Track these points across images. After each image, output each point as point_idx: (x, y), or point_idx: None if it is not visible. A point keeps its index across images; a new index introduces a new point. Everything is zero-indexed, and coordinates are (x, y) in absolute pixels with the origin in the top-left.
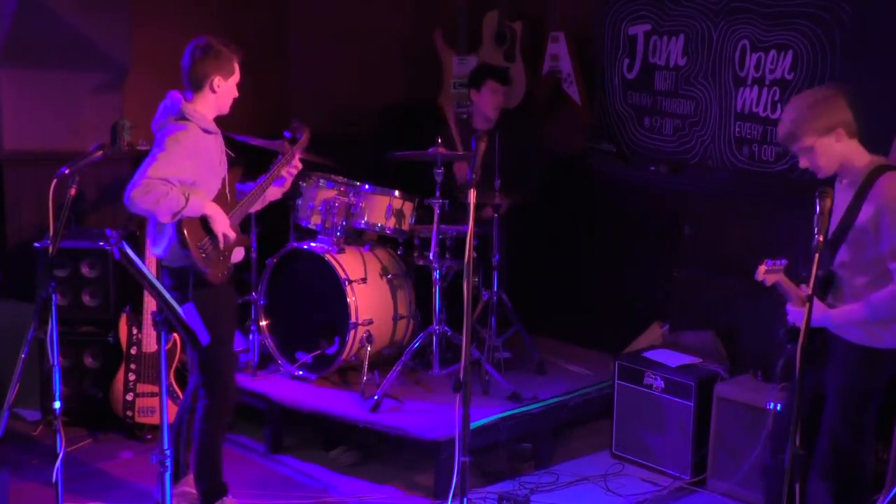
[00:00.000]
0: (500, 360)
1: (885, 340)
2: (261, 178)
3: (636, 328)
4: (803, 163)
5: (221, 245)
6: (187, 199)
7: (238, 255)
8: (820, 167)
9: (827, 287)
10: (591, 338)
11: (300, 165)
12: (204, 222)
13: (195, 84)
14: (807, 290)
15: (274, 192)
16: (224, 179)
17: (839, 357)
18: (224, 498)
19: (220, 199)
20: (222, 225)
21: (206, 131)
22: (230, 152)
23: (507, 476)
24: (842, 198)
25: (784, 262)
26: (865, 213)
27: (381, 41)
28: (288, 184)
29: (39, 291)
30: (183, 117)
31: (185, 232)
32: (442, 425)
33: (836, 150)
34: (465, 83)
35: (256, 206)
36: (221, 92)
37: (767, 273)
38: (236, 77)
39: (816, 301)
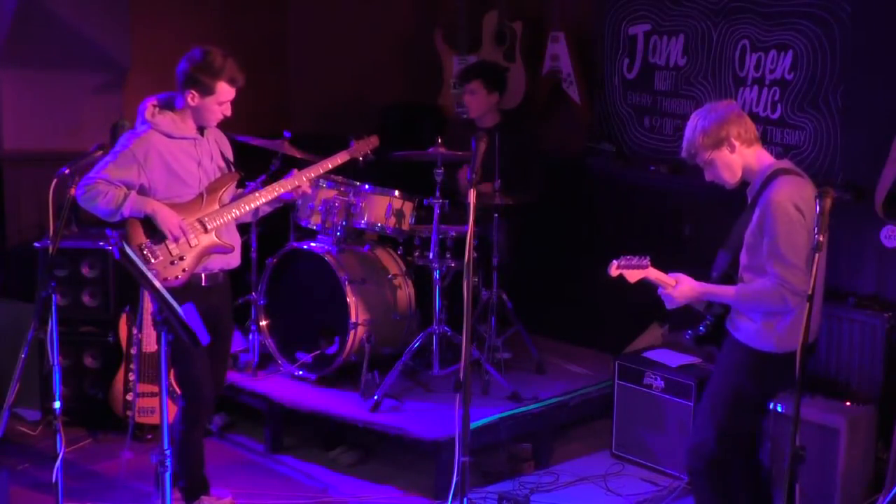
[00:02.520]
0: (500, 360)
1: (770, 342)
2: (250, 185)
3: (636, 328)
4: (708, 176)
5: (172, 243)
6: (125, 198)
7: (226, 261)
8: (724, 179)
9: (729, 283)
10: (591, 338)
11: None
12: (150, 224)
13: (177, 88)
14: (675, 274)
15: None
16: (207, 185)
17: (724, 353)
18: (203, 496)
19: (192, 204)
20: (168, 223)
21: (170, 136)
22: (228, 163)
23: (507, 476)
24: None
25: (646, 259)
26: (755, 217)
27: (381, 41)
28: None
29: (39, 291)
30: (144, 122)
31: (127, 233)
32: (442, 425)
33: (733, 160)
34: None
35: (246, 216)
36: (198, 106)
37: (620, 269)
38: (219, 97)
39: (688, 278)
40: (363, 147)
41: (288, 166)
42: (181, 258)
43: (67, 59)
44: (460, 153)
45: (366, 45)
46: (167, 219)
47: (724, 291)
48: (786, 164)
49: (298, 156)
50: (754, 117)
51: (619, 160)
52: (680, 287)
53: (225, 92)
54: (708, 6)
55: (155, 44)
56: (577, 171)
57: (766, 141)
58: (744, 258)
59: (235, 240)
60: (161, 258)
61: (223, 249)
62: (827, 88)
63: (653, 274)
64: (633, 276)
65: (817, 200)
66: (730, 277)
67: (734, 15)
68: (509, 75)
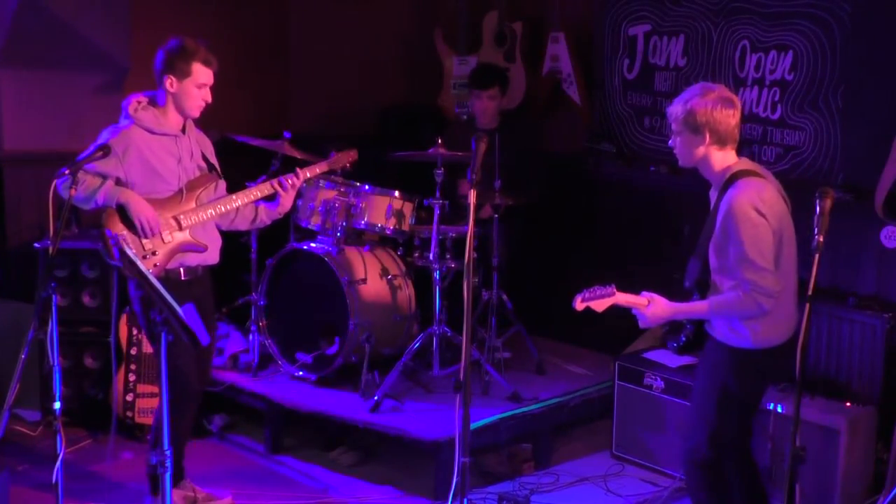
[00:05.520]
0: (500, 360)
1: (747, 339)
2: (250, 185)
3: (636, 328)
4: (671, 142)
5: (143, 235)
6: (101, 185)
7: (203, 258)
8: (679, 155)
9: (704, 290)
10: (591, 338)
11: (297, 182)
12: (125, 216)
13: (157, 83)
14: (648, 294)
15: (269, 212)
16: (186, 182)
17: (706, 354)
18: (182, 482)
19: (170, 200)
20: (141, 213)
21: (151, 132)
22: (208, 162)
23: (507, 476)
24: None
25: (611, 286)
26: (718, 222)
27: (381, 41)
28: (286, 203)
29: (39, 291)
30: (126, 117)
31: (103, 223)
32: (442, 425)
33: (697, 149)
34: (464, 83)
35: (241, 222)
36: (177, 92)
37: (586, 302)
38: (196, 80)
39: (661, 297)
40: (342, 159)
41: (288, 167)
42: (153, 253)
43: (67, 59)
44: (460, 154)
45: (366, 45)
46: (140, 210)
47: (697, 307)
48: (745, 164)
49: (298, 156)
50: (754, 118)
51: (619, 160)
52: (652, 307)
53: (200, 73)
54: (708, 6)
55: (155, 44)
56: (577, 171)
57: (765, 141)
58: (713, 262)
59: (213, 239)
60: (133, 251)
61: (196, 248)
62: (827, 88)
63: (621, 299)
64: (600, 305)
65: (817, 201)
66: (703, 284)
67: (734, 15)
68: (509, 76)
